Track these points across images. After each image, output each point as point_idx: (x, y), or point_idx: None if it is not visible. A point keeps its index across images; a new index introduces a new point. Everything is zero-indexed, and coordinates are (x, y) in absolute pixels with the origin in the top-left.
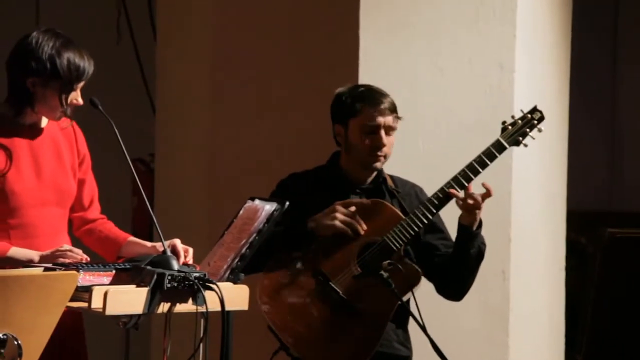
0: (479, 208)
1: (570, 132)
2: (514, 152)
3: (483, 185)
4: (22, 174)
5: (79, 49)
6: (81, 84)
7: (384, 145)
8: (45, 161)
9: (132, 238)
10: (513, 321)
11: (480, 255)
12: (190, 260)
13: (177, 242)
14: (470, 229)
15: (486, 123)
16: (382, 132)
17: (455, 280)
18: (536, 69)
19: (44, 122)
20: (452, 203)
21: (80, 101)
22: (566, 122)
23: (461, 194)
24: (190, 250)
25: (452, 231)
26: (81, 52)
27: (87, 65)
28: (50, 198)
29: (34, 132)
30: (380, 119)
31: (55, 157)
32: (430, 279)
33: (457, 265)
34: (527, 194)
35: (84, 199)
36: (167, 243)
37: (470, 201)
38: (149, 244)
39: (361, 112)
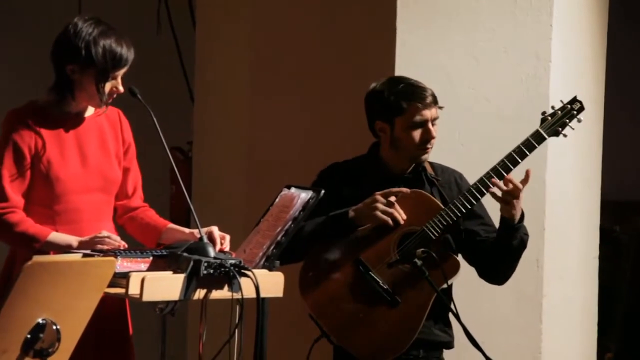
0: (517, 197)
1: (606, 120)
2: (549, 142)
3: (526, 172)
4: (67, 160)
5: (118, 36)
6: (120, 72)
7: (434, 138)
8: (90, 149)
9: (171, 225)
10: (546, 309)
11: (522, 245)
12: (227, 247)
13: (214, 229)
14: (511, 222)
15: (522, 113)
16: (430, 125)
17: (497, 268)
18: (572, 58)
19: (90, 110)
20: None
21: (121, 89)
22: (601, 111)
23: (501, 184)
24: (227, 237)
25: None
26: (120, 40)
27: (125, 53)
28: (94, 185)
29: (79, 120)
30: (427, 113)
31: (100, 145)
32: (472, 264)
33: (499, 254)
34: (561, 183)
35: (127, 187)
36: (204, 230)
37: (510, 186)
38: (187, 230)
39: (408, 109)
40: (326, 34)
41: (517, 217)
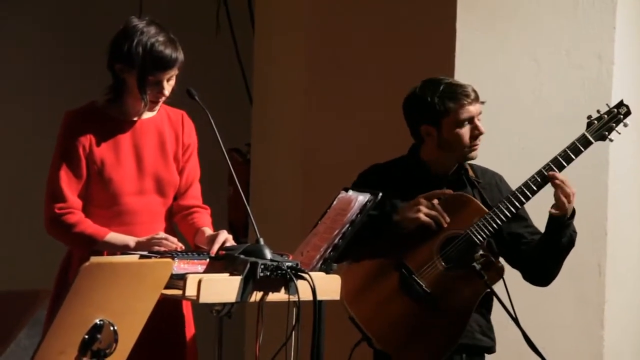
0: (566, 196)
1: None
2: (610, 146)
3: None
4: (121, 162)
5: (167, 40)
6: (165, 75)
7: (482, 133)
8: (147, 151)
9: (203, 228)
10: (608, 315)
11: (571, 244)
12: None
13: (222, 232)
14: (562, 219)
15: (583, 115)
16: (477, 121)
17: (544, 267)
18: (636, 61)
19: (150, 112)
20: (536, 197)
21: (166, 93)
22: None
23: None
24: (228, 242)
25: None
26: (167, 43)
27: (168, 55)
28: (149, 187)
29: (136, 121)
30: (473, 109)
31: (158, 147)
32: (516, 267)
33: (547, 253)
34: (623, 187)
35: (181, 186)
36: (212, 233)
37: (566, 188)
38: (208, 233)
39: (453, 108)
40: (384, 38)
41: (569, 214)
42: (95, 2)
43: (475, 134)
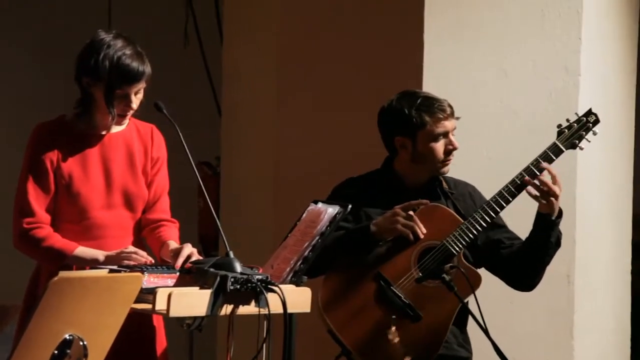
0: (553, 194)
1: (637, 133)
2: (578, 155)
3: (546, 169)
4: (89, 176)
5: (134, 53)
6: (132, 89)
7: (456, 148)
8: (115, 165)
9: (169, 241)
10: (578, 324)
11: (557, 244)
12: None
13: (186, 245)
14: (549, 218)
15: (551, 126)
16: (451, 136)
17: (530, 270)
18: (602, 72)
19: (119, 126)
20: (511, 206)
21: (133, 107)
22: (632, 124)
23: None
24: (193, 255)
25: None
26: (134, 56)
27: (134, 69)
28: (118, 201)
29: (104, 135)
30: (448, 124)
31: (127, 161)
32: (498, 273)
33: (534, 254)
34: (591, 196)
35: (149, 200)
36: (177, 247)
37: (544, 188)
38: (172, 246)
39: (430, 123)
40: (353, 49)
41: (556, 213)
42: (63, 14)
43: (449, 149)
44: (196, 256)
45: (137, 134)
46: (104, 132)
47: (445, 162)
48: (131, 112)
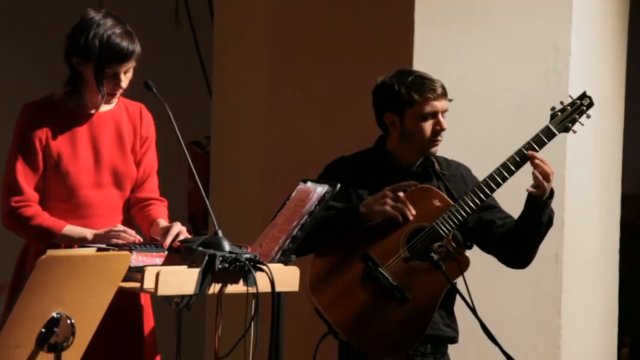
0: (545, 176)
1: (626, 115)
2: (567, 136)
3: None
4: (78, 155)
5: (123, 32)
6: (121, 67)
7: (444, 129)
8: (104, 144)
9: (158, 219)
10: (566, 305)
11: (550, 223)
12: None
13: (175, 224)
14: (541, 198)
15: (541, 106)
16: (441, 117)
17: (523, 247)
18: (592, 52)
19: (108, 105)
20: (505, 186)
21: (123, 85)
22: (622, 105)
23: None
24: (181, 237)
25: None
26: (124, 35)
27: (124, 48)
28: (107, 179)
29: (93, 114)
30: (438, 105)
31: (116, 140)
32: (492, 252)
33: (527, 233)
34: (581, 177)
35: (138, 179)
36: (167, 225)
37: (544, 167)
38: (162, 224)
39: (419, 101)
40: (344, 31)
41: (547, 194)
42: None
43: (437, 129)
44: (185, 234)
45: (126, 112)
46: (92, 111)
47: (432, 142)
48: (120, 91)
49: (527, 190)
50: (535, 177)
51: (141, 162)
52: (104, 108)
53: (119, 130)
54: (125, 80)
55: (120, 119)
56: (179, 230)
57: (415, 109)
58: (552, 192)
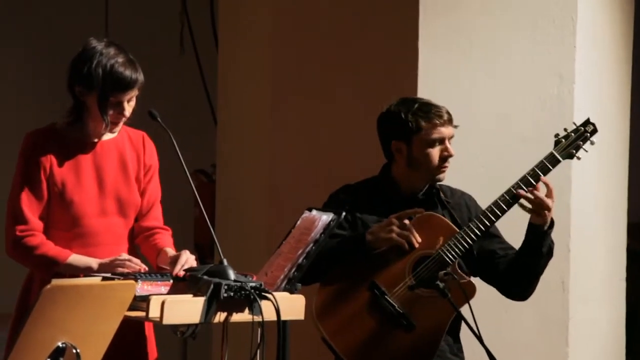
0: (546, 208)
1: (632, 142)
2: (573, 163)
3: (542, 182)
4: (82, 183)
5: (126, 60)
6: (124, 96)
7: (452, 155)
8: (108, 172)
9: (166, 248)
10: (573, 332)
11: (550, 253)
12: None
13: (184, 252)
14: (540, 229)
15: (545, 134)
16: (448, 143)
17: (523, 279)
18: (596, 80)
19: (111, 134)
20: (508, 215)
21: (126, 114)
22: (627, 133)
23: (529, 195)
24: (189, 265)
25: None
26: (127, 64)
27: (127, 77)
28: (111, 208)
29: (97, 143)
30: (445, 131)
31: (120, 168)
32: (492, 283)
33: (526, 264)
34: (586, 204)
35: (143, 207)
36: (174, 253)
37: (536, 200)
38: (171, 253)
39: (425, 127)
40: (347, 57)
41: (548, 224)
42: (62, 23)
43: (445, 155)
44: (193, 263)
45: (129, 141)
46: (96, 140)
47: (440, 168)
48: (124, 119)
49: (529, 221)
50: (531, 211)
51: (145, 191)
52: (107, 136)
53: (122, 159)
54: (128, 109)
55: (123, 148)
56: (187, 258)
57: (423, 135)
58: (552, 222)
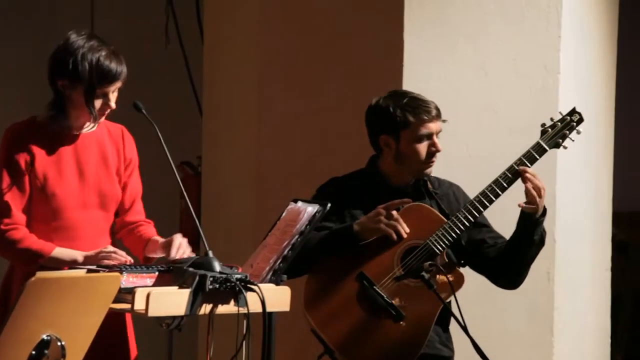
0: (539, 193)
1: (616, 132)
2: (558, 153)
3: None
4: (63, 176)
5: (108, 52)
6: (110, 88)
7: (439, 150)
8: (89, 165)
9: (154, 237)
10: (558, 322)
11: (541, 242)
12: (185, 254)
13: (176, 236)
14: (534, 216)
15: (531, 125)
16: (435, 138)
17: (514, 268)
18: (581, 70)
19: (90, 126)
20: (495, 204)
21: (112, 105)
22: (612, 122)
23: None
24: (183, 248)
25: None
26: (111, 56)
27: (113, 69)
28: (92, 201)
29: (77, 136)
30: (433, 126)
31: (100, 162)
32: (482, 272)
33: (518, 252)
34: (571, 194)
35: (125, 202)
36: (168, 239)
37: (537, 182)
38: (161, 240)
39: (414, 123)
40: (333, 48)
41: (540, 211)
42: (46, 15)
43: (432, 150)
44: (187, 246)
45: (108, 134)
46: (77, 133)
47: (427, 163)
48: (109, 110)
49: (519, 205)
50: (527, 193)
51: (127, 185)
52: (87, 130)
53: (102, 152)
54: (113, 99)
55: (103, 141)
56: (181, 242)
57: (410, 131)
58: (544, 210)
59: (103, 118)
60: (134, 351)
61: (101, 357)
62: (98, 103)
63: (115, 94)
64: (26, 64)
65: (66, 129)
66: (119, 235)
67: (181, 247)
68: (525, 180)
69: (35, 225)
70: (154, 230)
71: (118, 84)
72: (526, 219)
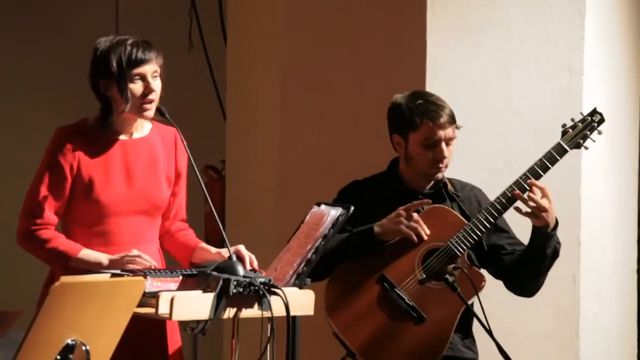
0: (543, 210)
1: None
2: (582, 155)
3: (533, 185)
4: (110, 182)
5: (136, 39)
6: (143, 70)
7: (444, 158)
8: (138, 170)
9: (202, 244)
10: (584, 325)
11: (555, 255)
12: (255, 265)
13: (241, 247)
14: (544, 231)
15: (555, 127)
16: (443, 145)
17: (528, 279)
18: (605, 72)
19: (142, 131)
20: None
21: (153, 87)
22: (637, 124)
23: (525, 196)
24: (254, 257)
25: (519, 233)
26: (138, 41)
27: (142, 50)
28: (138, 207)
29: (127, 141)
30: (441, 133)
31: (150, 167)
32: (499, 277)
33: (531, 264)
34: (596, 196)
35: (170, 210)
36: (232, 249)
37: (532, 203)
38: (214, 250)
39: (420, 126)
40: (357, 50)
41: (552, 225)
42: (70, 22)
43: (437, 158)
44: (252, 256)
45: (160, 138)
46: (126, 137)
47: (432, 168)
48: (153, 94)
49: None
50: (528, 215)
51: (176, 194)
52: (138, 134)
53: (153, 157)
54: (155, 84)
55: (154, 145)
56: (250, 254)
57: (417, 134)
58: (556, 223)
59: (151, 107)
60: (178, 342)
61: (134, 353)
62: (136, 89)
63: (158, 81)
64: (55, 71)
65: (115, 133)
66: (162, 239)
67: (252, 259)
68: (523, 201)
69: (75, 228)
70: (195, 236)
71: (151, 67)
72: (537, 233)
